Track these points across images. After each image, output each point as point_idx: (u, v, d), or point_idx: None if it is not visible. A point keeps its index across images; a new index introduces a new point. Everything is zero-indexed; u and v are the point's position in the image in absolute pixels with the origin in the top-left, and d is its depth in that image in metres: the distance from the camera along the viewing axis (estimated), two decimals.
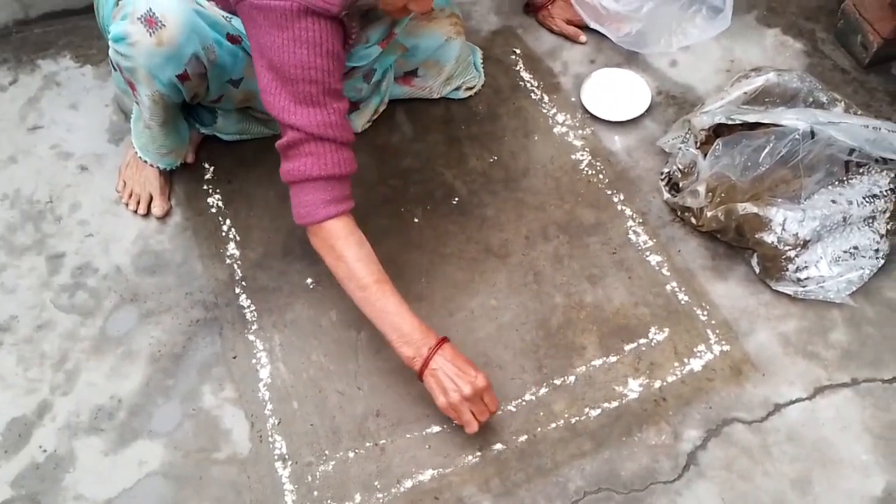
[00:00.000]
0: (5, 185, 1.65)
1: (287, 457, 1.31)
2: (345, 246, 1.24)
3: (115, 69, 1.37)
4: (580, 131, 1.66)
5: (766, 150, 1.35)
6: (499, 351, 1.40)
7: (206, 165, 1.65)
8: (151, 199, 1.58)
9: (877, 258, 1.39)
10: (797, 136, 1.33)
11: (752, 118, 1.40)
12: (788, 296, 1.42)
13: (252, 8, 1.17)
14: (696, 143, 1.50)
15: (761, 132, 1.37)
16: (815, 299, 1.40)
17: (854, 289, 1.39)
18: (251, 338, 1.43)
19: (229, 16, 1.35)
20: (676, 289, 1.45)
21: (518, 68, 1.76)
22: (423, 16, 1.52)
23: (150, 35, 1.25)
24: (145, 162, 1.54)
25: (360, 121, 1.63)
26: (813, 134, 1.33)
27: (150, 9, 1.24)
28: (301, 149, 1.22)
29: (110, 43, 1.31)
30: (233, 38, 1.37)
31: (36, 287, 1.52)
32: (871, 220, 1.39)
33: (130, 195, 1.59)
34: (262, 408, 1.36)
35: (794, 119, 1.35)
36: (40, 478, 1.32)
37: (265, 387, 1.38)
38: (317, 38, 1.17)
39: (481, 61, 1.73)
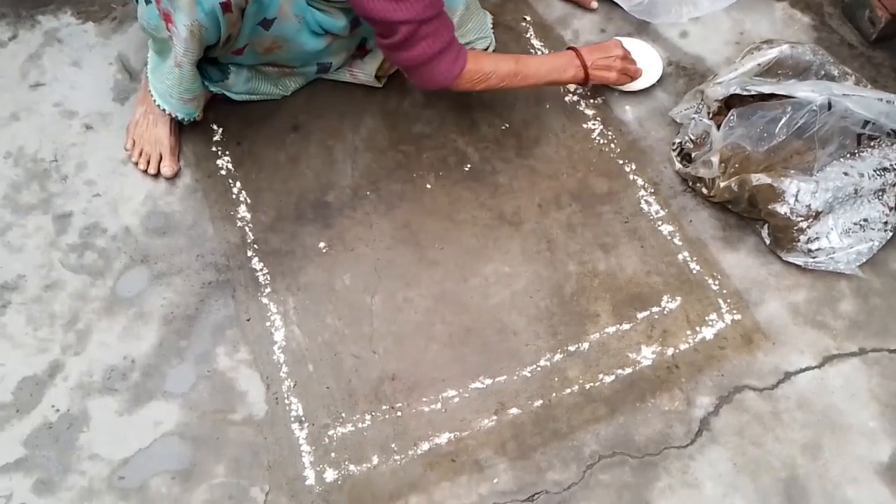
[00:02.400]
0: (8, 143, 1.62)
1: (304, 419, 1.32)
2: (484, 66, 1.42)
3: (148, 2, 1.34)
4: (591, 101, 1.66)
5: (783, 122, 1.36)
6: (513, 317, 1.41)
7: (215, 127, 1.63)
8: (161, 158, 1.56)
9: (885, 231, 1.42)
10: (814, 108, 1.34)
11: (767, 89, 1.41)
12: (798, 266, 1.44)
13: None
14: (708, 113, 1.51)
15: (777, 103, 1.38)
16: (824, 270, 1.42)
17: (863, 260, 1.41)
18: (265, 301, 1.43)
19: None
20: (688, 258, 1.47)
21: (528, 35, 1.76)
22: None
23: None
24: (164, 111, 1.51)
25: (372, 66, 1.62)
26: (830, 106, 1.34)
27: None
28: (416, 35, 1.30)
29: None
30: None
31: (43, 246, 1.50)
32: (880, 193, 1.41)
33: (140, 154, 1.57)
34: (278, 370, 1.36)
35: (809, 91, 1.36)
36: (54, 437, 1.31)
37: (280, 349, 1.38)
38: None
39: (491, 27, 1.72)
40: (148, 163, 1.56)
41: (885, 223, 1.42)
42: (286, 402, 1.33)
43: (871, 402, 1.32)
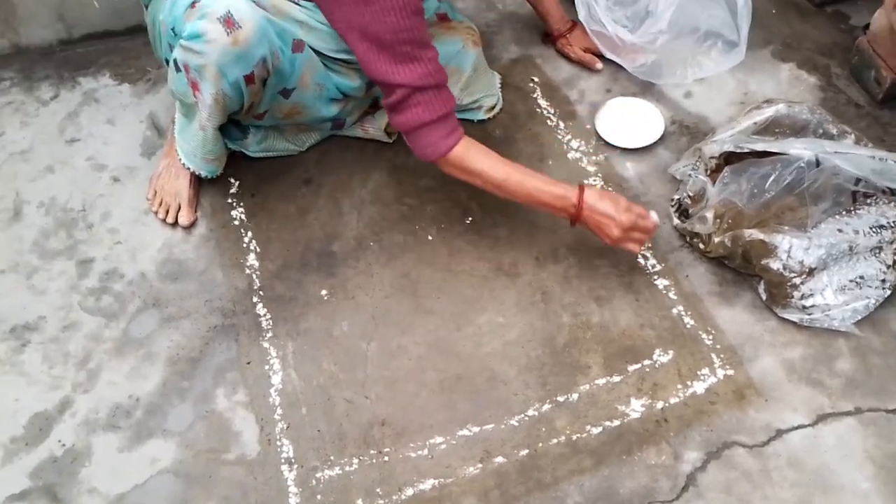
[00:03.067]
0: (42, 194, 1.73)
1: (293, 460, 1.35)
2: (473, 161, 1.41)
3: (178, 70, 1.42)
4: (594, 157, 1.70)
5: (772, 178, 1.38)
6: (504, 366, 1.43)
7: (232, 180, 1.72)
8: (179, 209, 1.65)
9: (883, 288, 1.40)
10: (802, 164, 1.36)
11: (759, 147, 1.43)
12: (794, 323, 1.43)
13: None
14: (706, 170, 1.54)
15: (767, 160, 1.40)
16: (820, 327, 1.41)
17: (859, 318, 1.39)
18: (265, 345, 1.48)
19: (299, 6, 1.43)
20: (683, 313, 1.48)
21: (535, 96, 1.82)
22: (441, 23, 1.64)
23: (228, 34, 1.32)
24: (187, 169, 1.61)
25: (382, 121, 1.70)
26: (818, 162, 1.35)
27: (230, 11, 1.32)
28: (410, 101, 1.36)
29: (181, 42, 1.37)
30: (296, 46, 1.45)
31: (65, 290, 1.59)
32: (877, 251, 1.40)
33: (160, 203, 1.66)
34: (272, 412, 1.40)
35: (800, 148, 1.38)
36: (58, 470, 1.37)
37: (276, 392, 1.42)
38: (402, 3, 1.29)
39: (499, 86, 1.79)
40: (167, 212, 1.65)
41: (883, 281, 1.40)
42: (278, 443, 1.37)
43: (865, 462, 1.28)
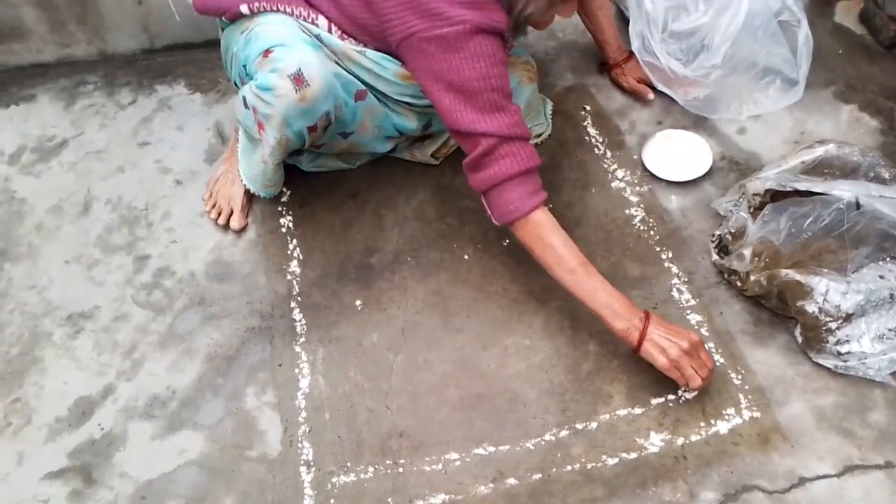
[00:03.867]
0: (111, 191, 1.85)
1: (312, 463, 1.39)
2: (551, 234, 1.36)
3: (246, 107, 1.48)
4: (638, 188, 1.70)
5: (811, 218, 1.35)
6: (526, 389, 1.44)
7: (284, 189, 1.79)
8: (231, 213, 1.73)
9: None
10: (841, 206, 1.32)
11: (802, 186, 1.41)
12: (829, 370, 1.39)
13: (422, 41, 1.32)
14: (749, 207, 1.51)
15: (807, 200, 1.37)
16: (855, 375, 1.36)
17: (895, 368, 1.34)
18: (298, 349, 1.53)
19: (361, 50, 1.47)
20: (713, 349, 1.45)
21: (586, 124, 1.83)
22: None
23: (296, 91, 1.37)
24: (247, 187, 1.69)
25: (430, 148, 1.73)
26: (858, 205, 1.32)
27: (300, 69, 1.36)
28: (497, 152, 1.34)
29: (253, 88, 1.42)
30: (359, 96, 1.50)
31: (121, 283, 1.68)
32: None
33: (214, 206, 1.74)
34: (297, 415, 1.45)
35: (842, 189, 1.34)
36: (94, 452, 1.45)
37: (303, 395, 1.47)
38: (490, 51, 1.31)
39: (551, 113, 1.81)
40: (219, 215, 1.74)
41: None
42: (299, 445, 1.41)
43: None
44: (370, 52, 1.46)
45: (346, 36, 1.47)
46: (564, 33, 2.02)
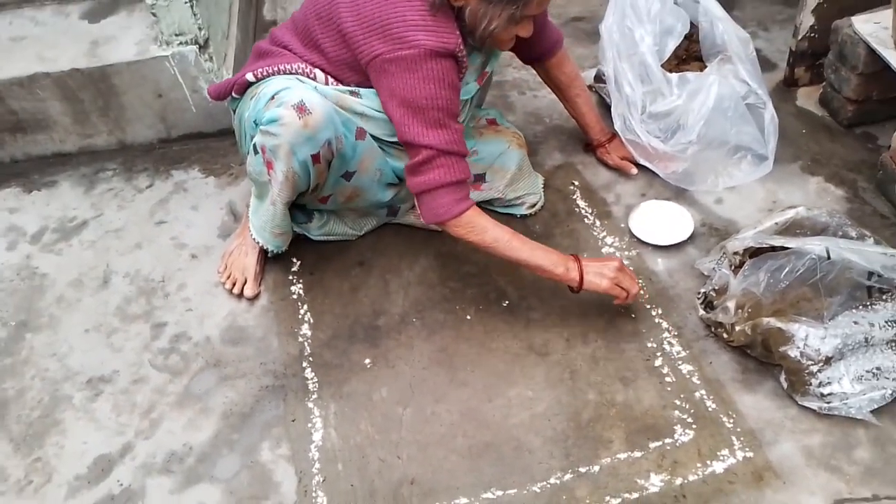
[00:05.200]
0: (129, 266, 1.95)
1: None
2: (483, 223, 1.59)
3: (256, 153, 1.63)
4: (626, 252, 1.82)
5: (787, 269, 1.48)
6: (530, 437, 1.51)
7: (294, 259, 1.90)
8: (245, 282, 1.83)
9: None
10: (813, 257, 1.45)
11: (777, 242, 1.53)
12: (814, 412, 1.48)
13: (384, 62, 1.51)
14: (730, 265, 1.64)
15: (783, 253, 1.50)
16: (839, 415, 1.45)
17: (876, 406, 1.44)
18: (310, 405, 1.61)
19: (355, 90, 1.63)
20: (705, 396, 1.54)
21: (575, 197, 1.97)
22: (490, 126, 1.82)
23: (299, 118, 1.54)
24: (257, 244, 1.80)
25: None
26: (829, 256, 1.44)
27: (303, 100, 1.54)
28: (434, 162, 1.54)
29: (261, 127, 1.58)
30: (359, 134, 1.66)
31: (138, 349, 1.76)
32: (894, 344, 1.46)
33: (229, 277, 1.85)
34: (311, 466, 1.51)
35: (814, 243, 1.47)
36: None
37: (316, 448, 1.53)
38: (440, 75, 1.50)
39: (542, 186, 1.95)
40: (234, 285, 1.84)
41: None
42: (313, 494, 1.47)
43: None
44: (363, 92, 1.63)
45: (338, 83, 1.64)
46: (551, 119, 2.20)
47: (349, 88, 1.63)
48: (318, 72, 1.63)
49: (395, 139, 1.66)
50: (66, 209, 2.13)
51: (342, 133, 1.61)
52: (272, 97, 1.58)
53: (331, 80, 1.64)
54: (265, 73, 1.65)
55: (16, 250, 2.03)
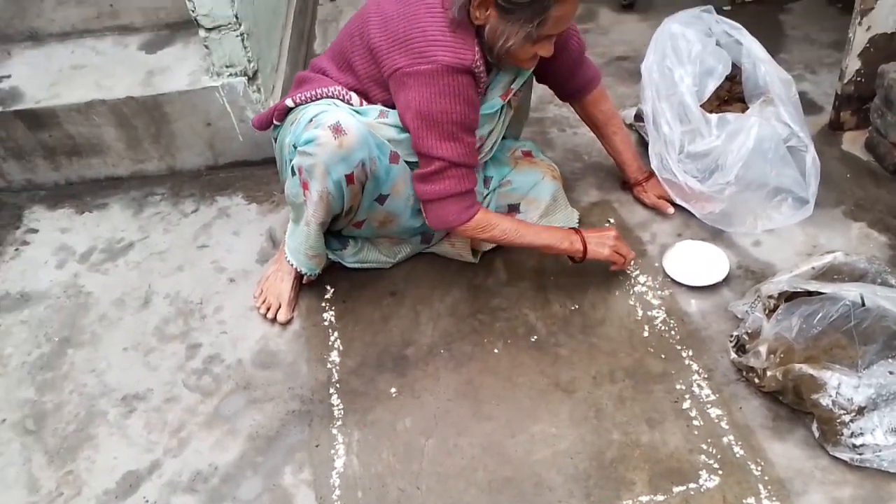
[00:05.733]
0: (170, 287, 2.01)
1: None
2: (490, 220, 1.71)
3: (293, 174, 1.69)
4: (659, 292, 1.81)
5: (820, 315, 1.44)
6: (552, 474, 1.50)
7: (328, 287, 1.93)
8: (280, 308, 1.87)
9: None
10: (847, 303, 1.42)
11: (812, 287, 1.51)
12: (846, 463, 1.43)
13: (403, 75, 1.59)
14: (764, 309, 1.61)
15: (817, 298, 1.47)
16: (871, 468, 1.41)
17: None
18: (334, 431, 1.62)
19: (385, 111, 1.69)
20: (733, 442, 1.51)
21: None
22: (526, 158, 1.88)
23: (335, 139, 1.59)
24: (291, 267, 1.84)
25: None
26: (863, 303, 1.41)
27: (339, 121, 1.60)
28: (445, 173, 1.64)
29: (299, 149, 1.63)
30: (393, 158, 1.70)
31: (173, 368, 1.81)
32: None
33: (264, 302, 1.88)
34: (331, 492, 1.52)
35: (849, 290, 1.44)
36: None
37: (337, 474, 1.55)
38: (456, 91, 1.58)
39: (577, 221, 1.95)
40: (268, 310, 1.88)
41: None
42: None
43: None
44: (391, 114, 1.68)
45: (364, 101, 1.71)
46: (590, 156, 2.20)
47: (380, 108, 1.69)
48: (353, 95, 1.69)
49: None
50: (115, 231, 2.21)
51: (376, 155, 1.65)
52: (310, 120, 1.63)
53: (364, 102, 1.70)
54: (304, 99, 1.70)
55: (64, 269, 2.10)
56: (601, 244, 1.73)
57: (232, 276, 2.02)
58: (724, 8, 2.69)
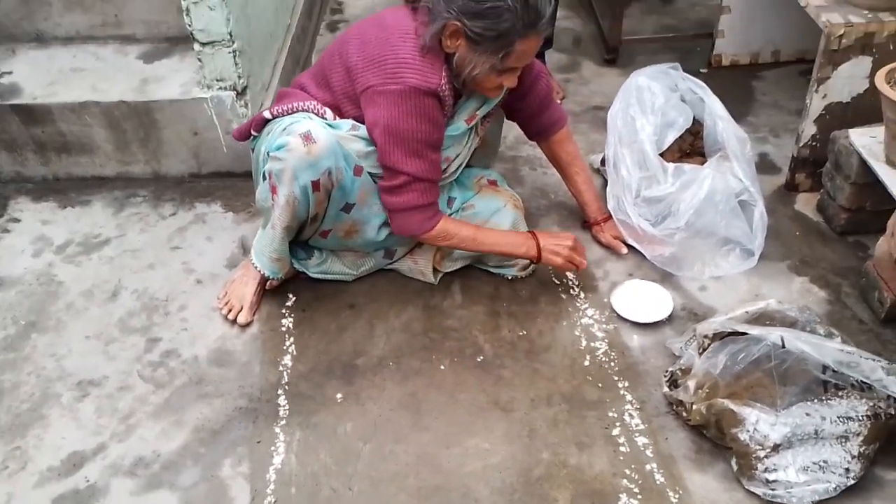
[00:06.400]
0: (139, 283, 2.08)
1: None
2: (450, 229, 1.84)
3: (264, 179, 1.78)
4: (605, 326, 1.88)
5: (744, 353, 1.52)
6: (479, 486, 1.55)
7: (290, 295, 2.01)
8: (241, 310, 1.94)
9: (847, 477, 1.46)
10: (769, 343, 1.49)
11: (740, 328, 1.58)
12: (759, 498, 1.49)
13: (374, 93, 1.70)
14: (698, 347, 1.68)
15: (742, 338, 1.55)
16: (781, 503, 1.47)
17: (818, 498, 1.45)
18: (277, 430, 1.68)
19: (356, 126, 1.79)
20: (656, 469, 1.57)
21: (566, 274, 2.04)
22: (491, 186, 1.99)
23: (304, 146, 1.68)
24: (256, 270, 1.91)
25: (430, 252, 1.97)
26: (784, 344, 1.49)
27: (309, 130, 1.69)
28: (409, 187, 1.76)
29: (270, 154, 1.73)
30: (357, 171, 1.79)
31: (131, 359, 1.87)
32: (843, 440, 1.47)
33: (227, 303, 1.96)
34: (266, 486, 1.57)
35: (773, 331, 1.52)
36: (76, 501, 1.57)
37: (274, 470, 1.60)
38: (422, 111, 1.69)
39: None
40: (230, 311, 1.94)
41: (847, 470, 1.46)
42: None
43: None
44: (361, 130, 1.77)
45: (338, 115, 1.80)
46: (556, 195, 2.30)
47: (351, 122, 1.79)
48: (327, 110, 1.79)
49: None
50: (94, 226, 2.28)
51: (343, 165, 1.74)
52: (284, 129, 1.73)
53: (337, 118, 1.80)
54: (281, 112, 1.80)
55: (40, 258, 2.18)
56: (555, 252, 1.86)
57: (200, 278, 2.09)
58: (701, 70, 2.82)
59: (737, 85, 2.72)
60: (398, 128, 1.70)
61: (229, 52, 2.22)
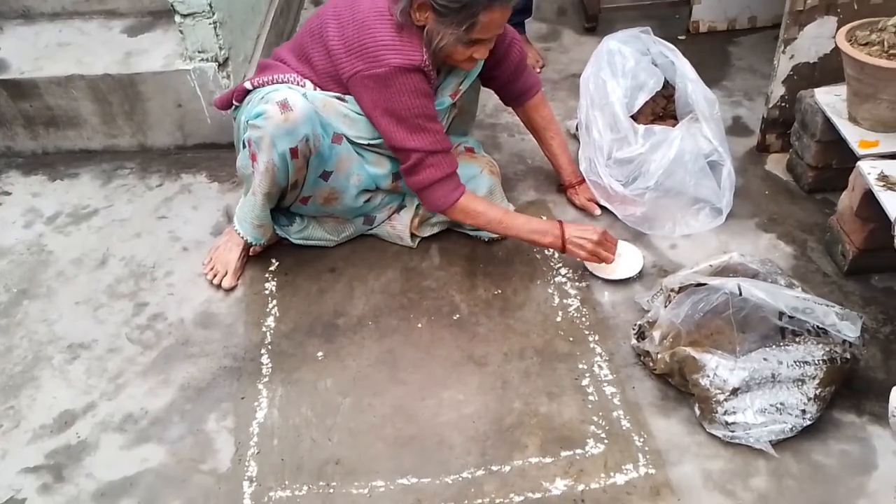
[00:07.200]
0: (126, 251, 2.14)
1: (254, 479, 1.57)
2: (477, 206, 1.87)
3: (244, 147, 1.83)
4: (577, 283, 1.94)
5: (703, 303, 1.58)
6: (453, 434, 1.62)
7: (273, 260, 2.07)
8: (226, 275, 2.00)
9: (803, 418, 1.53)
10: (726, 292, 1.56)
11: (701, 279, 1.65)
12: (720, 440, 1.56)
13: (364, 78, 1.75)
14: (665, 301, 1.75)
15: (703, 288, 1.61)
16: (741, 444, 1.54)
17: (775, 438, 1.52)
18: (260, 387, 1.75)
19: (341, 96, 1.83)
20: (622, 416, 1.64)
21: None
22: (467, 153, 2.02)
23: (281, 113, 1.73)
24: (239, 236, 1.97)
25: (408, 216, 2.02)
26: (740, 292, 1.55)
27: (286, 98, 1.74)
28: (424, 163, 1.80)
29: (249, 122, 1.77)
30: (336, 139, 1.84)
31: (119, 323, 1.93)
32: (800, 383, 1.54)
33: (212, 269, 2.02)
34: (249, 439, 1.64)
35: (730, 281, 1.58)
36: (68, 455, 1.64)
37: (257, 424, 1.67)
38: (412, 87, 1.73)
39: None
40: (215, 276, 2.01)
41: (803, 411, 1.53)
42: (246, 463, 1.60)
43: None
44: (348, 98, 1.82)
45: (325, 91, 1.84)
46: (533, 161, 2.35)
47: (336, 94, 1.83)
48: (307, 82, 1.83)
49: (373, 142, 1.86)
50: (82, 198, 2.34)
51: (319, 133, 1.79)
52: (262, 97, 1.77)
53: (318, 89, 1.84)
54: (261, 83, 1.85)
55: (31, 229, 2.23)
56: (580, 245, 1.85)
57: (186, 246, 2.15)
58: (679, 37, 2.85)
59: (714, 50, 2.76)
60: (393, 108, 1.74)
61: (210, 24, 2.26)
